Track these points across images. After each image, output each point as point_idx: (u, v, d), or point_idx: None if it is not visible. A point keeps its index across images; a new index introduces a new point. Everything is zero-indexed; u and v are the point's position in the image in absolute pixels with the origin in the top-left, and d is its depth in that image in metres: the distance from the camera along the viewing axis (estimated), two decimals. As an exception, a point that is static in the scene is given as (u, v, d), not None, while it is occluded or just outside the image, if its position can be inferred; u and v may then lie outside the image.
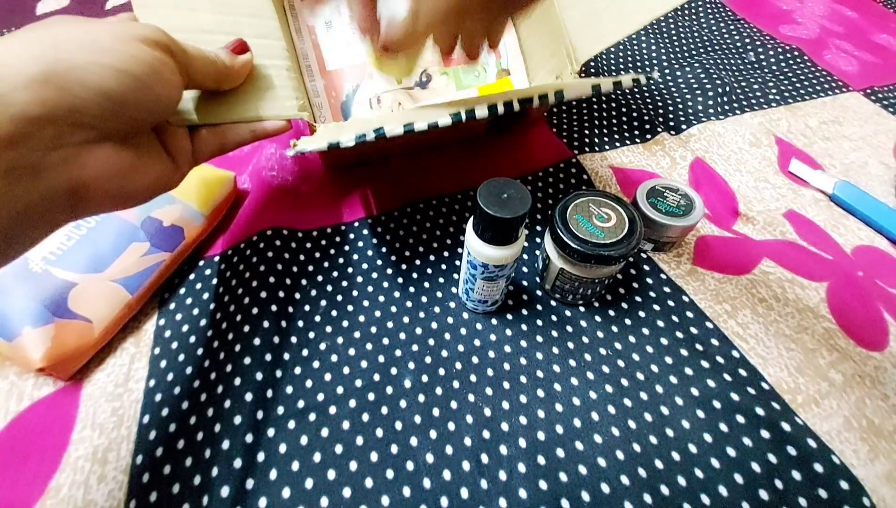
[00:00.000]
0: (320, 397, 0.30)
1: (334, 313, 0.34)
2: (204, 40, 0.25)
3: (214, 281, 0.35)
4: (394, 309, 0.34)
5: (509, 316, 0.34)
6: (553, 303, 0.35)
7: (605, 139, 0.48)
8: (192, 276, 0.35)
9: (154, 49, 0.20)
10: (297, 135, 0.46)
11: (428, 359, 0.32)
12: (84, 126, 0.18)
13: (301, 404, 0.29)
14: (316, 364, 0.31)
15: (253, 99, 0.27)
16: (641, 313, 0.34)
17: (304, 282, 0.36)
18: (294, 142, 0.26)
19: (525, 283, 0.36)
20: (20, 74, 0.16)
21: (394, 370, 0.31)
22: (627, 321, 0.34)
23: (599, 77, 0.27)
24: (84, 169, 0.19)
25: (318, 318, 0.34)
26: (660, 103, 0.53)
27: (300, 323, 0.33)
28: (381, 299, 0.35)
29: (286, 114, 0.28)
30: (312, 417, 0.29)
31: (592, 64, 0.57)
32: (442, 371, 0.31)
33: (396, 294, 0.35)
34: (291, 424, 0.29)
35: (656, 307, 0.35)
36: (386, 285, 0.36)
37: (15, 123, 0.16)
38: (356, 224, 0.40)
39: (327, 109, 0.41)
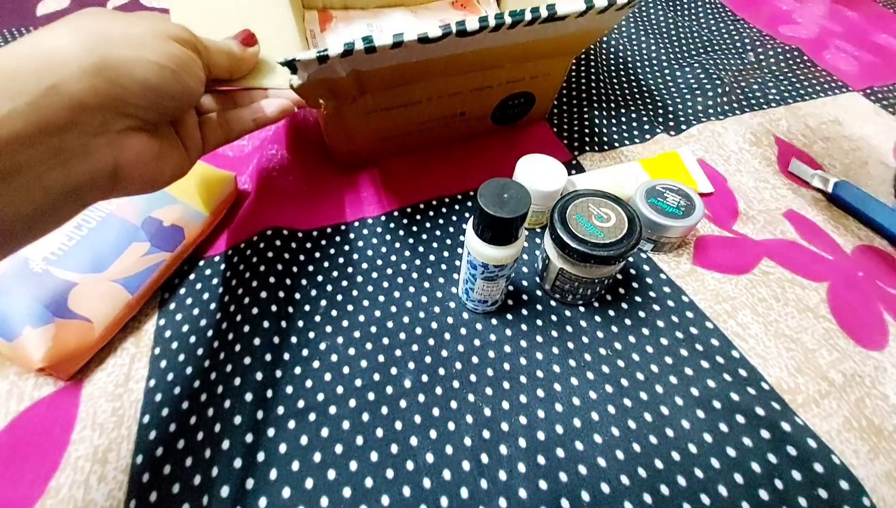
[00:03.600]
0: (320, 397, 0.30)
1: (334, 313, 0.34)
2: (222, 29, 0.28)
3: (215, 281, 0.35)
4: (394, 309, 0.34)
5: (509, 316, 0.34)
6: (553, 303, 0.35)
7: (605, 139, 0.48)
8: (192, 276, 0.35)
9: (185, 47, 0.23)
10: (299, 139, 0.46)
11: (428, 359, 0.32)
12: (127, 115, 0.20)
13: (301, 404, 0.29)
14: (316, 364, 0.31)
15: (263, 72, 0.29)
16: (641, 314, 0.34)
17: (304, 282, 0.36)
18: (283, 61, 0.27)
19: (525, 283, 0.36)
20: (75, 64, 0.18)
21: (394, 370, 0.31)
22: (627, 321, 0.34)
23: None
24: (123, 154, 0.21)
25: (318, 318, 0.34)
26: (659, 104, 0.53)
27: (300, 323, 0.33)
28: (381, 299, 0.35)
29: (295, 83, 0.29)
30: (312, 417, 0.29)
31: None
32: (442, 371, 0.31)
33: (396, 294, 0.35)
34: (291, 424, 0.29)
35: (656, 308, 0.35)
36: (386, 285, 0.36)
37: (69, 110, 0.18)
38: (356, 224, 0.40)
39: None
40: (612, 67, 0.58)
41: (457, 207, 0.42)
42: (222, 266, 0.36)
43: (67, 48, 0.18)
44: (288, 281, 0.35)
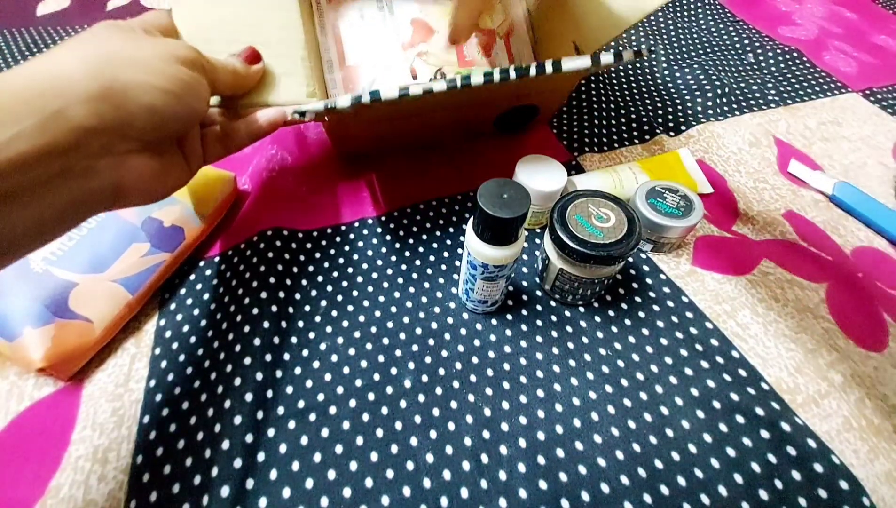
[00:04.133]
0: (320, 397, 0.30)
1: (334, 313, 0.34)
2: (226, 30, 0.28)
3: (215, 281, 0.35)
4: (394, 309, 0.34)
5: (509, 316, 0.34)
6: (553, 303, 0.35)
7: (605, 140, 0.48)
8: (192, 276, 0.35)
9: (191, 69, 0.23)
10: (298, 139, 0.46)
11: (428, 359, 0.32)
12: (129, 138, 0.21)
13: (301, 404, 0.29)
14: (316, 364, 0.31)
15: (267, 86, 0.30)
16: (641, 314, 0.34)
17: (304, 282, 0.36)
18: (295, 110, 0.28)
19: (525, 283, 0.36)
20: (80, 90, 0.19)
21: (394, 370, 0.31)
22: (627, 322, 0.34)
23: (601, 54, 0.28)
24: (125, 174, 0.21)
25: (318, 318, 0.34)
26: (659, 104, 0.53)
27: (300, 323, 0.33)
28: (381, 299, 0.35)
29: (295, 99, 0.29)
30: (312, 417, 0.29)
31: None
32: (442, 371, 0.31)
33: (396, 294, 0.35)
34: (292, 424, 0.29)
35: (656, 308, 0.35)
36: (386, 285, 0.36)
37: (74, 134, 0.18)
38: (356, 224, 0.40)
39: None
40: (612, 68, 0.58)
41: (457, 207, 0.42)
42: (222, 266, 0.36)
43: (74, 74, 0.19)
44: (288, 281, 0.35)
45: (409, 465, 0.27)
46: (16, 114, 0.17)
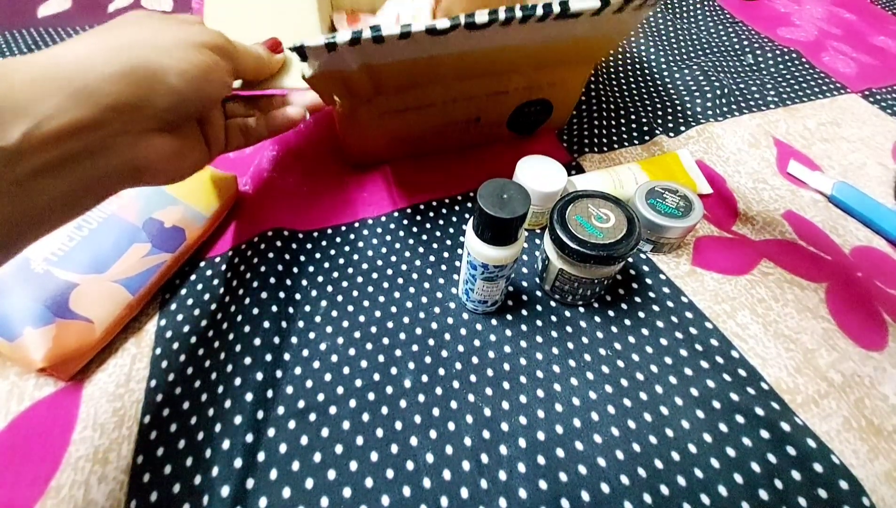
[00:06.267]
0: (320, 397, 0.30)
1: (334, 313, 0.34)
2: (251, 28, 0.30)
3: (215, 282, 0.35)
4: (394, 309, 0.35)
5: (509, 316, 0.34)
6: (553, 303, 0.35)
7: (604, 141, 0.48)
8: (193, 277, 0.36)
9: (213, 53, 0.24)
10: (299, 141, 0.46)
11: (428, 359, 0.32)
12: (148, 117, 0.22)
13: (301, 404, 0.29)
14: (316, 364, 0.31)
15: (285, 73, 0.31)
16: (641, 314, 0.34)
17: (304, 282, 0.36)
18: (292, 46, 0.28)
19: (525, 283, 0.36)
20: (101, 71, 0.20)
21: (394, 370, 0.31)
22: (627, 322, 0.34)
23: None
24: (144, 152, 0.22)
25: (318, 318, 0.34)
26: (658, 105, 0.53)
27: (300, 323, 0.33)
28: (381, 299, 0.35)
29: (307, 73, 0.30)
30: (313, 417, 0.29)
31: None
32: (442, 371, 0.31)
33: (396, 294, 0.35)
34: (292, 424, 0.29)
35: (656, 308, 0.35)
36: (386, 285, 0.36)
37: (97, 111, 0.20)
38: (356, 225, 0.40)
39: None
40: (612, 69, 0.58)
41: (457, 207, 0.42)
42: (223, 267, 0.36)
43: (96, 56, 0.20)
44: (288, 282, 0.35)
45: (409, 465, 0.27)
46: (42, 91, 0.18)
